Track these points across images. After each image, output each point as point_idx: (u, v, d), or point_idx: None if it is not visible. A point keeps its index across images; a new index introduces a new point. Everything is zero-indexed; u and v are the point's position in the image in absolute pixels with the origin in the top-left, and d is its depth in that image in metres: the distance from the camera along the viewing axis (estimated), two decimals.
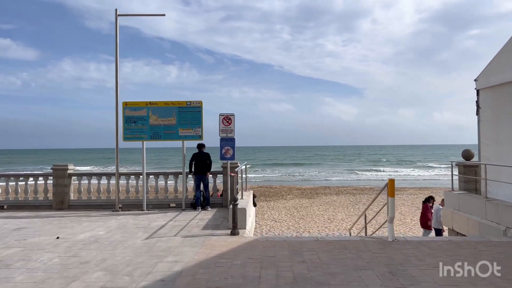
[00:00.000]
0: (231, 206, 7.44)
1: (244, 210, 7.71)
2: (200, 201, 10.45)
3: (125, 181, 11.01)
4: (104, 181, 11.26)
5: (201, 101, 10.52)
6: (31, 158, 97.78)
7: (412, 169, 57.22)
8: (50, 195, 10.99)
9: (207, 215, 9.46)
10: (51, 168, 10.87)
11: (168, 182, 11.17)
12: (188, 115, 10.48)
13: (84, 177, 11.18)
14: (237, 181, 9.41)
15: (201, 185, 10.50)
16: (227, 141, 10.41)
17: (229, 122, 10.42)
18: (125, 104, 10.53)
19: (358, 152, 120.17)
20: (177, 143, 10.78)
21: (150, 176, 11.16)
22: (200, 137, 10.48)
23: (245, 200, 9.14)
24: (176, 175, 11.03)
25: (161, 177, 11.24)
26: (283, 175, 50.97)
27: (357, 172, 53.36)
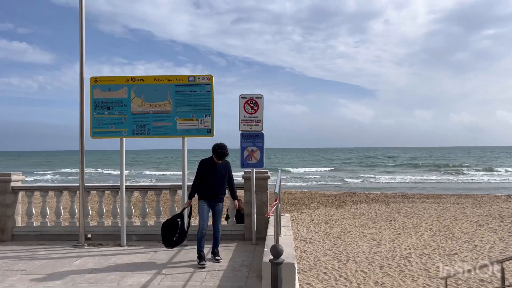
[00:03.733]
0: (267, 261, 3.80)
1: (292, 268, 4.04)
2: (203, 249, 5.79)
3: (99, 198, 7.41)
4: (66, 198, 7.66)
5: (211, 76, 6.85)
6: (45, 160, 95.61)
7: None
8: None
9: (219, 261, 5.78)
10: None
11: (162, 199, 7.50)
12: (191, 97, 6.84)
13: (37, 193, 7.55)
14: (270, 208, 5.73)
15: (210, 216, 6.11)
16: (252, 138, 6.78)
17: (255, 108, 6.73)
18: (94, 81, 6.90)
19: (383, 154, 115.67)
20: (174, 142, 7.15)
21: (134, 193, 7.51)
22: (210, 131, 6.82)
23: (287, 239, 5.46)
24: (173, 190, 7.34)
25: (151, 193, 7.60)
26: (300, 178, 47.14)
27: (390, 175, 49.09)
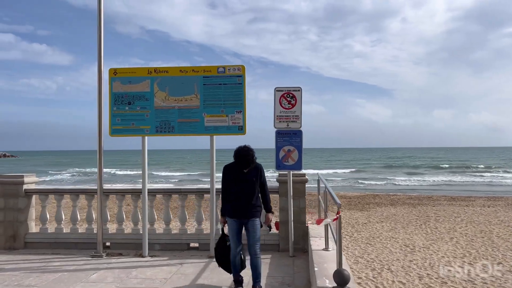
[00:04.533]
0: None
1: None
2: (239, 272, 4.82)
3: (119, 202, 6.77)
4: (83, 202, 7.02)
5: (242, 66, 6.10)
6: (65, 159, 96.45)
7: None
8: None
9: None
10: None
11: (187, 204, 6.77)
12: (221, 90, 6.09)
13: (52, 196, 6.92)
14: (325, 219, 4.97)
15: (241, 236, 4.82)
16: (289, 137, 6.01)
17: (293, 102, 5.97)
18: (114, 73, 6.22)
19: (403, 155, 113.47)
20: (201, 141, 6.45)
21: (157, 196, 6.81)
22: (242, 129, 6.07)
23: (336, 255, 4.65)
24: (200, 194, 6.62)
25: (176, 197, 6.89)
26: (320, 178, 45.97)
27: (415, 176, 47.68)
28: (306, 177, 6.52)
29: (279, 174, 6.54)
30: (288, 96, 6.17)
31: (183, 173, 53.90)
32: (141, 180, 6.48)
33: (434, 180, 45.33)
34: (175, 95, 6.31)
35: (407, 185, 40.94)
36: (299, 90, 6.19)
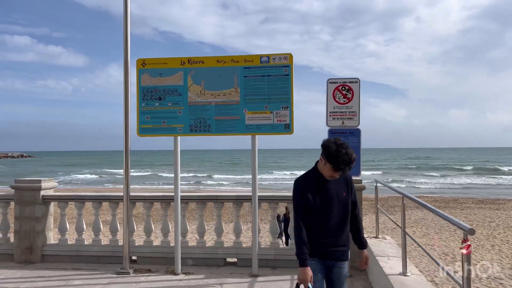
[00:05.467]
0: None
1: None
2: None
3: (147, 211, 6.02)
4: (107, 210, 6.31)
5: (290, 55, 5.27)
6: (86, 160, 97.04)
7: None
8: (11, 237, 6.17)
9: None
10: (11, 187, 5.98)
11: (224, 212, 5.97)
12: (264, 83, 5.27)
13: (72, 204, 6.20)
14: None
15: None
16: (345, 136, 5.18)
17: (349, 95, 5.12)
18: (142, 64, 5.45)
19: (421, 155, 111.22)
20: (241, 141, 5.58)
21: (190, 203, 6.04)
22: (289, 127, 5.24)
23: (418, 282, 3.80)
24: (238, 202, 5.82)
25: (212, 205, 6.11)
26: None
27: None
28: (363, 183, 5.65)
29: None
30: (343, 88, 5.33)
31: (188, 174, 53.35)
32: (169, 184, 5.69)
33: (456, 182, 43.88)
34: (212, 89, 5.51)
35: (429, 187, 39.72)
36: (356, 82, 5.34)
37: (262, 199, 5.82)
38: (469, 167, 63.63)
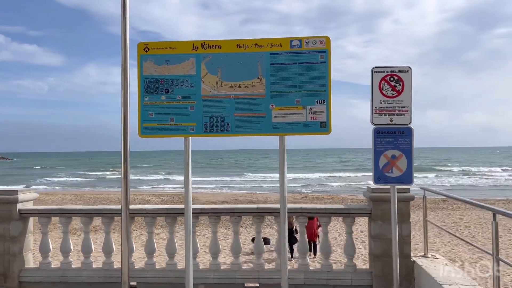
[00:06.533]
0: None
1: None
2: None
3: (149, 227, 5.01)
4: (98, 227, 5.27)
5: (326, 37, 4.34)
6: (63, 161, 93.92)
7: None
8: None
9: None
10: None
11: (242, 226, 5.09)
12: (295, 72, 4.36)
13: (56, 219, 5.14)
14: None
15: None
16: (394, 137, 4.30)
17: (399, 87, 4.23)
18: (145, 49, 4.43)
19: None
20: (265, 141, 4.63)
21: (200, 218, 5.08)
22: (325, 126, 4.32)
23: None
24: (259, 216, 4.86)
25: (224, 218, 5.14)
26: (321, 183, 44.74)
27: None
28: (411, 192, 4.76)
29: (372, 190, 4.79)
30: (391, 79, 4.43)
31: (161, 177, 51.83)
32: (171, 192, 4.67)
33: (440, 183, 43.85)
34: (231, 80, 4.53)
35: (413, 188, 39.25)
36: (408, 71, 4.45)
37: (293, 211, 4.87)
38: (454, 168, 64.01)
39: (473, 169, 61.14)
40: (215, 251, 5.06)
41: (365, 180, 46.68)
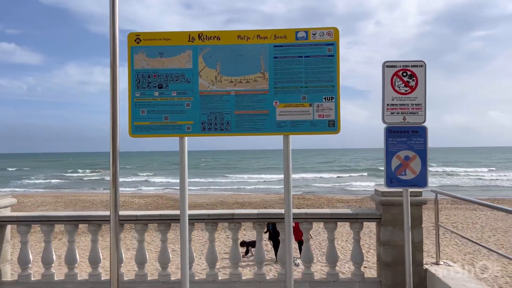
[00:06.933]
0: None
1: None
2: None
3: (140, 235, 4.60)
4: (85, 234, 4.87)
5: (335, 29, 4.01)
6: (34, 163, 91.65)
7: None
8: None
9: None
10: None
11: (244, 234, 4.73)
12: (301, 66, 4.05)
13: (37, 227, 4.68)
14: None
15: None
16: (407, 137, 3.99)
17: (412, 83, 3.93)
18: (136, 40, 4.03)
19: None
20: (268, 141, 4.29)
21: (196, 225, 4.71)
22: (334, 124, 4.01)
23: None
24: (260, 223, 4.53)
25: (223, 226, 4.75)
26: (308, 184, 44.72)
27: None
28: (424, 196, 4.47)
29: (382, 192, 4.48)
30: (404, 74, 4.13)
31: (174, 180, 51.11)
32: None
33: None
34: (231, 74, 4.17)
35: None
36: (422, 66, 4.15)
37: (297, 217, 4.53)
38: (439, 168, 64.73)
39: (457, 169, 61.94)
40: (212, 260, 4.68)
41: (350, 181, 46.80)
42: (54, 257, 4.83)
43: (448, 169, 60.94)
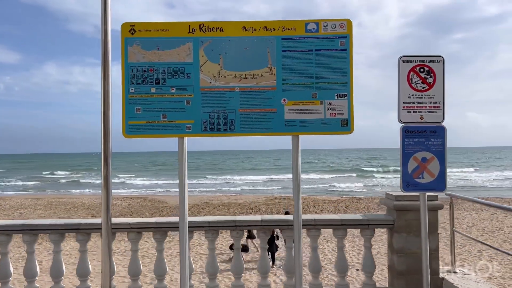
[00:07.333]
0: None
1: None
2: None
3: (133, 245, 4.22)
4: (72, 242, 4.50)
5: (348, 21, 3.70)
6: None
7: None
8: None
9: None
10: None
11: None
12: (311, 61, 3.74)
13: (19, 237, 4.28)
14: None
15: None
16: (424, 137, 3.74)
17: (430, 80, 3.67)
18: (131, 31, 3.64)
19: (374, 156, 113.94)
20: (274, 142, 3.99)
21: (196, 235, 4.37)
22: (347, 124, 3.69)
23: None
24: (265, 231, 4.20)
25: (225, 233, 4.39)
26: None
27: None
28: (440, 202, 4.21)
29: (396, 197, 4.21)
30: (421, 70, 3.86)
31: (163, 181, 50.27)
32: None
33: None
34: (235, 69, 3.84)
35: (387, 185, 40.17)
36: (440, 61, 3.89)
37: (305, 224, 4.22)
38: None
39: None
40: (213, 271, 4.33)
41: (333, 181, 46.87)
42: (38, 269, 4.42)
43: None
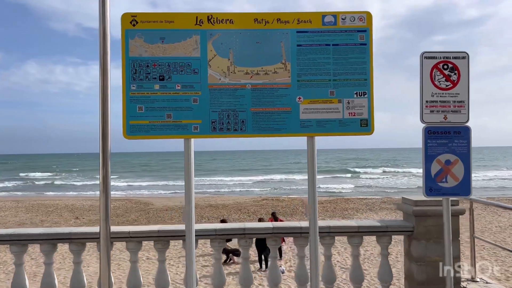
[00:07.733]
0: None
1: None
2: None
3: (133, 255, 3.85)
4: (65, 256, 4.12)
5: (368, 13, 3.43)
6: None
7: None
8: None
9: None
10: None
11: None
12: (329, 56, 3.46)
13: (7, 248, 3.91)
14: None
15: None
16: (448, 138, 3.47)
17: (454, 77, 3.43)
18: (132, 22, 3.30)
19: (358, 156, 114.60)
20: (288, 142, 3.72)
21: (200, 244, 4.06)
22: (367, 124, 3.43)
23: None
24: (275, 238, 3.91)
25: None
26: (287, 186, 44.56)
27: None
28: (461, 205, 3.98)
29: (415, 202, 3.97)
30: (445, 67, 3.63)
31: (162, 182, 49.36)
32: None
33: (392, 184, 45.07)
34: (247, 65, 3.55)
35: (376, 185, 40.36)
36: (464, 57, 3.66)
37: (320, 231, 3.95)
38: (406, 169, 66.06)
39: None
40: (219, 283, 4.02)
41: (319, 183, 46.83)
42: (27, 282, 4.05)
43: (414, 170, 61.65)
